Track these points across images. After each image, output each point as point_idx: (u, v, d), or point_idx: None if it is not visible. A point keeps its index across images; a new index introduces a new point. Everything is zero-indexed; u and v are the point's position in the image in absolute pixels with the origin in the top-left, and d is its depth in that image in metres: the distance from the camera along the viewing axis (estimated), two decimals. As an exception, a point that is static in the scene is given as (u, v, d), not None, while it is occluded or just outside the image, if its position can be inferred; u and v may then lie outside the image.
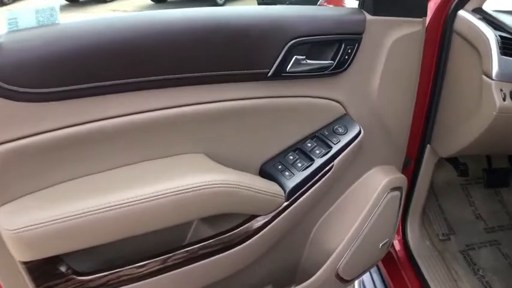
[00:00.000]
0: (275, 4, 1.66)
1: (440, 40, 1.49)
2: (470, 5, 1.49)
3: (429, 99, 1.58)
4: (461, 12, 1.46)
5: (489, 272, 1.88)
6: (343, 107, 1.35)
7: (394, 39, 1.32)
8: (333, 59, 1.26)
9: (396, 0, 1.30)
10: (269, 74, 1.18)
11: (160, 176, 1.07)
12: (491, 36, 1.41)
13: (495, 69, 1.40)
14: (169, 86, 1.06)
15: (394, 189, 1.49)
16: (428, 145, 1.67)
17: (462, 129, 1.55)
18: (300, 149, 1.32)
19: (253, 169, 1.30)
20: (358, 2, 1.33)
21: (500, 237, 2.03)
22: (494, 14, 1.49)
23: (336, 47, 1.26)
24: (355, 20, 1.27)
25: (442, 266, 1.84)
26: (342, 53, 1.25)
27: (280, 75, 1.20)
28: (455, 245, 1.94)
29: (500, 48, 1.40)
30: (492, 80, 1.40)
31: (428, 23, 1.43)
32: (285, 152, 1.32)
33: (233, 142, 1.23)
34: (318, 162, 1.30)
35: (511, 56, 1.42)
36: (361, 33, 1.27)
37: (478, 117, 1.47)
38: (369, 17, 1.28)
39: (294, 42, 1.18)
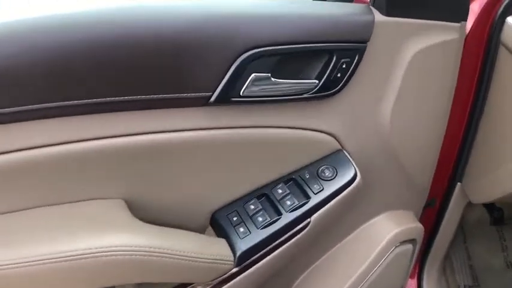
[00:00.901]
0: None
1: (484, 54, 1.11)
2: None
3: (464, 130, 1.22)
4: (511, 20, 1.07)
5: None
6: (338, 141, 1.01)
7: (418, 50, 0.97)
8: (319, 77, 0.90)
9: None
10: (212, 98, 0.85)
11: (49, 232, 0.83)
12: None
13: None
14: (77, 113, 0.80)
15: (405, 242, 1.17)
16: (458, 184, 1.31)
17: (503, 172, 1.18)
18: (267, 196, 0.99)
19: (202, 218, 0.99)
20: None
21: None
22: None
23: (323, 61, 0.90)
24: (358, 22, 0.91)
25: None
26: (332, 69, 0.90)
27: (230, 100, 0.86)
28: (479, 301, 1.55)
29: None
30: None
31: (469, 31, 1.06)
32: (246, 198, 0.99)
33: (171, 184, 0.93)
34: (287, 218, 0.96)
35: None
36: (365, 41, 0.91)
37: None
38: (379, 17, 0.92)
39: (251, 55, 0.83)
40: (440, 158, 1.18)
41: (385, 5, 0.91)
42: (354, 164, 0.99)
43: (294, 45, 0.86)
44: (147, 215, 0.91)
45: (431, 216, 1.39)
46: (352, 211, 1.09)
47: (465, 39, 1.04)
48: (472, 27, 1.08)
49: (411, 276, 1.52)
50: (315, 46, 0.87)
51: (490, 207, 1.53)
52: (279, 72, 0.87)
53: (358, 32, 0.90)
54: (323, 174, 0.98)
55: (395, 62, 0.97)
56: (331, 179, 0.98)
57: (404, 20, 0.94)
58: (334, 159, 1.00)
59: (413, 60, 0.97)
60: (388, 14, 0.92)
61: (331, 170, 0.98)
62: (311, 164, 1.00)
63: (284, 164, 0.99)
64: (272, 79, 0.86)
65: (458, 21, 0.99)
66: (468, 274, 1.64)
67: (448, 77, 1.05)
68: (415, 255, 1.26)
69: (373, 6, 0.94)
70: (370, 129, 1.02)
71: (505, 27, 1.07)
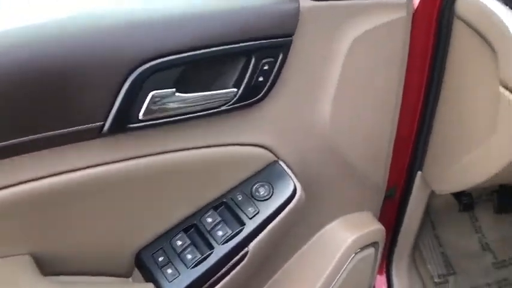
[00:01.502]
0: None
1: (436, 30, 0.98)
2: None
3: (420, 116, 1.10)
4: None
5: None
6: (272, 152, 0.86)
7: (358, 36, 0.83)
8: (237, 84, 0.75)
9: None
10: (105, 128, 0.69)
11: None
12: None
13: None
14: None
15: (365, 247, 1.06)
16: (419, 172, 1.20)
17: (467, 161, 1.07)
18: (196, 227, 0.84)
19: (125, 261, 0.85)
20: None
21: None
22: None
23: (240, 64, 0.75)
24: (278, 13, 0.76)
25: None
26: (252, 74, 0.75)
27: (127, 127, 0.71)
28: (455, 289, 1.45)
29: None
30: None
31: (418, 6, 0.93)
32: (171, 233, 0.84)
33: (82, 230, 0.79)
34: (220, 251, 0.82)
35: None
36: (289, 35, 0.77)
37: (494, 148, 0.98)
38: (306, 3, 0.77)
39: (147, 69, 0.67)
40: (396, 147, 1.07)
41: None
42: (292, 176, 0.86)
43: (199, 50, 0.70)
44: (61, 267, 0.78)
45: (393, 207, 1.28)
46: (299, 224, 0.96)
47: (413, 16, 0.91)
48: (420, 1, 0.94)
49: (379, 273, 1.40)
50: (227, 49, 0.72)
51: (457, 193, 1.41)
52: (186, 85, 0.72)
53: (280, 24, 0.75)
54: (258, 194, 0.84)
55: (331, 52, 0.83)
56: (268, 199, 0.84)
57: (338, 3, 0.80)
58: (269, 173, 0.86)
59: (353, 48, 0.84)
60: None
61: (266, 187, 0.84)
62: (243, 183, 0.86)
63: (211, 188, 0.85)
64: (177, 94, 0.70)
65: None
66: (441, 262, 1.53)
67: (396, 60, 0.92)
68: (379, 255, 1.15)
69: None
70: (308, 131, 0.88)
71: None
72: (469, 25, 0.96)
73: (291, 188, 0.84)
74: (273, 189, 0.84)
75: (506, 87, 0.89)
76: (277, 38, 0.75)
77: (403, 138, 1.09)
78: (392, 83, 0.94)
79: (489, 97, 0.95)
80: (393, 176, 1.14)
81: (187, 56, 0.69)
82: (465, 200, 1.41)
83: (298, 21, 0.76)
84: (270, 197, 0.84)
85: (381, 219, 1.15)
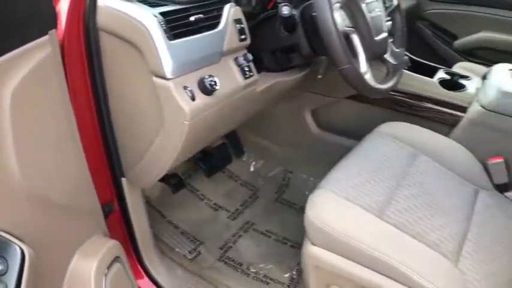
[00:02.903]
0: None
1: (87, 51, 1.02)
2: None
3: (101, 133, 1.16)
4: (101, 0, 1.02)
5: (260, 262, 1.59)
6: None
7: (13, 91, 0.76)
8: None
9: None
10: None
11: None
12: (148, 18, 1.02)
13: (168, 63, 1.02)
14: None
15: (110, 265, 1.06)
16: (123, 179, 1.26)
17: (154, 152, 1.18)
18: None
19: None
20: None
21: (250, 216, 1.76)
22: None
23: None
24: None
25: None
26: None
27: None
28: (209, 255, 1.60)
29: (166, 32, 1.03)
30: (168, 79, 1.03)
31: (64, 34, 0.95)
32: None
33: None
34: None
35: (182, 36, 1.06)
36: None
37: (167, 135, 1.11)
38: None
39: None
40: (92, 169, 1.07)
41: None
42: (15, 240, 0.81)
43: None
44: None
45: (119, 219, 1.33)
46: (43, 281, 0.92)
47: (62, 46, 0.93)
48: (66, 28, 0.96)
49: (139, 277, 1.46)
50: None
51: (164, 179, 1.52)
52: None
53: None
54: None
55: None
56: (5, 273, 0.80)
57: None
58: None
59: (15, 103, 0.77)
60: None
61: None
62: None
63: None
64: None
65: (45, 33, 0.82)
66: (186, 241, 1.64)
67: (59, 95, 0.90)
68: (128, 266, 1.18)
69: None
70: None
71: (99, 11, 1.01)
72: (113, 34, 1.04)
73: (18, 253, 0.82)
74: (7, 262, 0.81)
75: (158, 76, 1.01)
76: None
77: (94, 160, 1.11)
78: (64, 117, 0.93)
79: (151, 91, 1.06)
80: (104, 194, 1.17)
81: None
82: (173, 181, 1.53)
83: None
84: (7, 270, 0.81)
85: (114, 235, 1.17)
